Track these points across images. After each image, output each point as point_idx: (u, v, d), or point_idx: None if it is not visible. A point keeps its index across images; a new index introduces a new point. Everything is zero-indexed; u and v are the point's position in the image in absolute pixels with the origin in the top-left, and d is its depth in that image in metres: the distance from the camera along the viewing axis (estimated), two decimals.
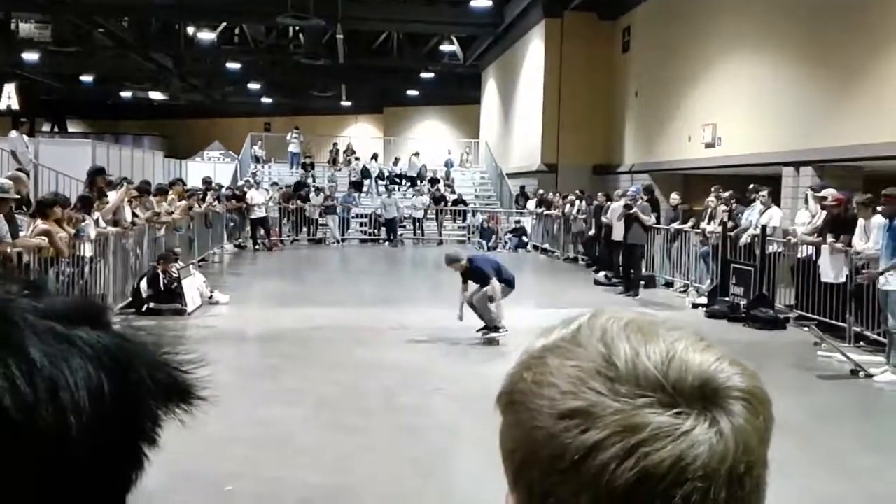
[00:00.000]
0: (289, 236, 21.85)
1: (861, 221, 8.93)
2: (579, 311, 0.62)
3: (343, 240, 22.39)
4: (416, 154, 28.32)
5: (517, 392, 0.58)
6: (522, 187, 23.57)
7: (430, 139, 34.31)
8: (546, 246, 20.50)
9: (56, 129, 42.78)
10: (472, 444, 5.96)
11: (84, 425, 0.43)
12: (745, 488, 0.53)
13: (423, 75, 33.25)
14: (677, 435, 0.52)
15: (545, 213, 20.41)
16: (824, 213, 10.08)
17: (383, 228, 22.82)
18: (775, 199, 12.53)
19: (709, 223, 12.94)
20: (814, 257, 10.11)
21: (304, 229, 22.19)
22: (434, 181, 25.86)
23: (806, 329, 9.43)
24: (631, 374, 0.54)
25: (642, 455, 0.51)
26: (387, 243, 22.07)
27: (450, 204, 24.16)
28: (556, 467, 0.53)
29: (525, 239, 21.69)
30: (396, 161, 28.47)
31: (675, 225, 14.08)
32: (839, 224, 9.55)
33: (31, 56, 27.86)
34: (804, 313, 10.26)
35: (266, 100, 40.56)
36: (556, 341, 0.59)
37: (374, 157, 28.35)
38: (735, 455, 0.53)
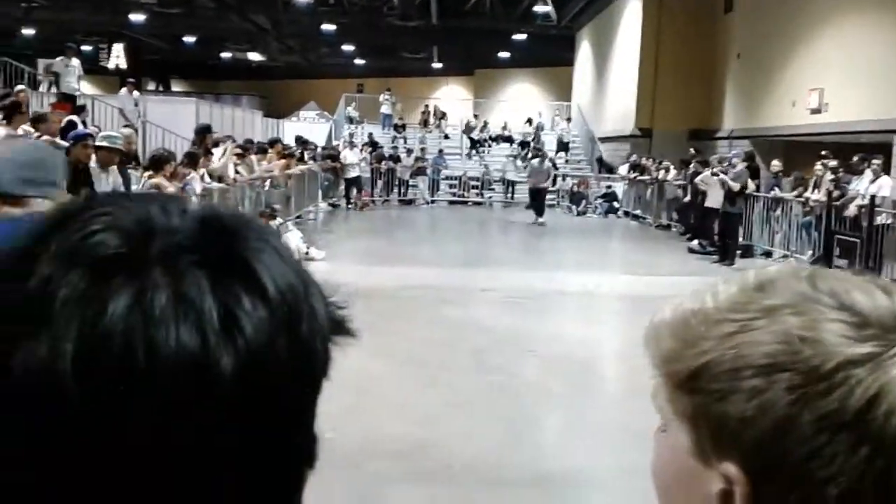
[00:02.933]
0: (380, 196, 22.17)
1: None
2: (717, 279, 0.62)
3: (433, 201, 22.58)
4: (504, 126, 28.31)
5: (725, 364, 0.55)
6: (599, 158, 23.43)
7: (520, 101, 33.99)
8: (637, 212, 20.14)
9: (160, 88, 44.37)
10: (561, 406, 6.01)
11: (321, 350, 0.45)
12: None
13: (516, 37, 32.82)
14: None
15: (638, 178, 20.02)
16: None
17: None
18: (886, 168, 11.94)
19: (814, 191, 12.45)
20: None
21: (395, 190, 22.48)
22: (525, 144, 25.67)
23: None
24: (875, 318, 0.53)
25: None
26: (539, 220, 18.07)
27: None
28: (827, 426, 0.51)
29: (616, 204, 21.36)
30: (486, 125, 28.39)
31: (775, 193, 13.61)
32: None
33: (137, 17, 28.87)
34: None
35: (359, 61, 40.92)
36: (744, 304, 0.57)
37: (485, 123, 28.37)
38: None
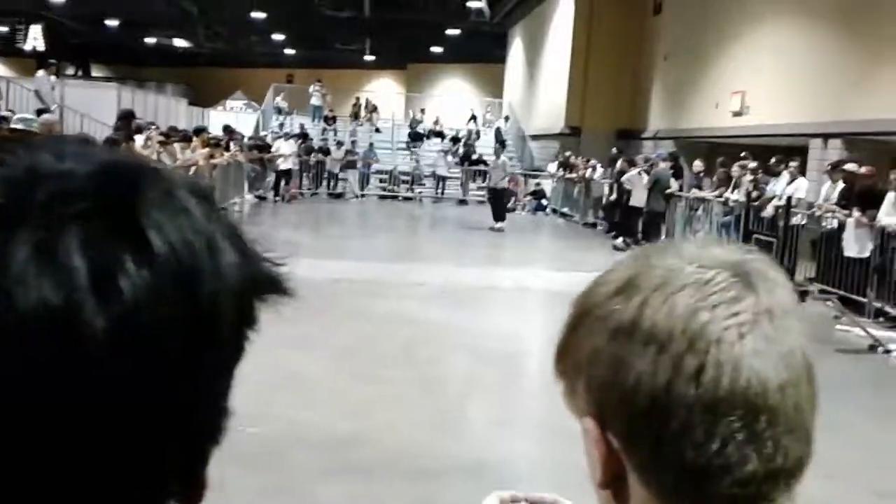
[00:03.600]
0: (309, 189, 21.90)
1: (891, 195, 8.84)
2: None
3: (362, 195, 22.43)
4: (436, 121, 28.40)
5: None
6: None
7: (452, 97, 34.08)
8: (565, 210, 20.44)
9: (80, 73, 42.78)
10: (488, 398, 6.04)
11: (220, 309, 0.41)
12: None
13: (449, 32, 32.89)
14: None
15: (566, 176, 20.30)
16: (842, 186, 10.03)
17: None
18: (801, 171, 12.40)
19: (733, 192, 12.85)
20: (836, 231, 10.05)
21: (324, 183, 22.24)
22: (456, 140, 25.75)
23: (828, 303, 9.40)
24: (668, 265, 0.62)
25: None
26: (497, 226, 16.40)
27: (469, 163, 24.10)
28: (618, 335, 0.61)
29: (544, 202, 21.63)
30: (422, 112, 28.44)
31: (696, 192, 13.99)
32: (867, 197, 9.46)
33: None
34: (825, 287, 10.22)
35: (289, 51, 40.32)
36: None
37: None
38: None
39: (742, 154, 13.35)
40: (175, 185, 0.42)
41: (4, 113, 10.82)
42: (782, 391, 0.58)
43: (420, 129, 27.52)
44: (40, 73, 13.82)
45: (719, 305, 0.58)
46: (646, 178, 13.88)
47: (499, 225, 16.28)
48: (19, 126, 6.62)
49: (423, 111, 28.68)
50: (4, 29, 32.81)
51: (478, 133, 27.32)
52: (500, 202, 16.57)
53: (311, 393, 5.71)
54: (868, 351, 7.89)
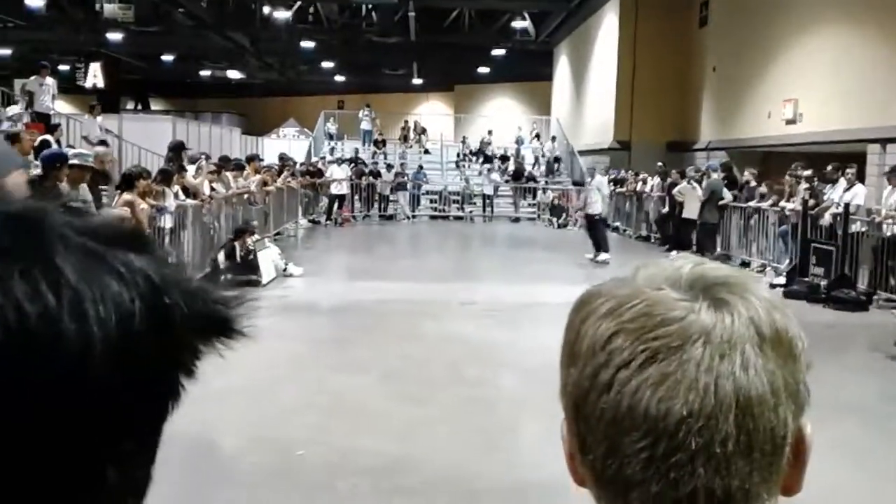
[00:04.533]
0: (360, 212, 22.13)
1: None
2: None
3: (413, 216, 22.56)
4: (490, 133, 28.39)
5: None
6: (575, 182, 23.90)
7: (500, 116, 34.14)
8: (618, 224, 20.23)
9: (139, 107, 44.16)
10: (537, 417, 5.98)
11: (110, 342, 0.40)
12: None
13: (494, 52, 33.01)
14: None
15: (617, 190, 20.12)
16: None
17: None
18: (860, 178, 12.05)
19: (788, 201, 12.55)
20: None
21: (376, 205, 22.46)
22: (504, 158, 25.77)
23: (893, 312, 9.09)
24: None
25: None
26: (600, 258, 13.73)
27: (520, 181, 24.06)
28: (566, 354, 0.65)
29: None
30: (464, 140, 28.55)
31: (753, 203, 13.70)
32: None
33: (115, 36, 28.76)
34: (890, 295, 9.89)
35: (339, 78, 40.97)
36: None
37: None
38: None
39: (793, 165, 13.04)
40: (79, 233, 0.43)
41: (65, 149, 11.22)
42: (689, 422, 0.56)
43: (471, 148, 27.73)
44: (86, 117, 14.30)
45: (643, 328, 0.59)
46: (699, 189, 13.65)
47: (602, 257, 13.54)
48: (76, 161, 6.84)
49: (464, 139, 28.81)
50: (65, 68, 34.08)
51: (517, 151, 27.35)
52: (597, 230, 14.13)
53: (360, 416, 5.72)
54: None
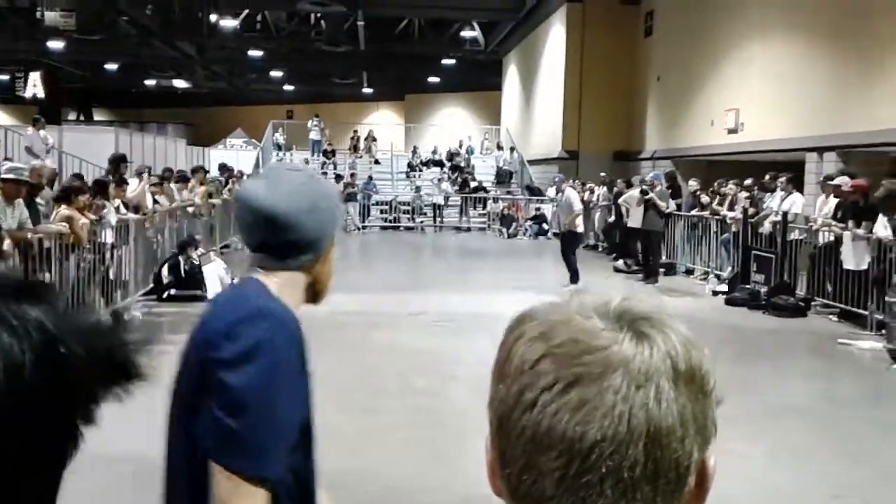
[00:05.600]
0: None
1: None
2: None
3: (364, 227, 22.48)
4: (434, 151, 28.65)
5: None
6: (528, 186, 24.04)
7: (450, 126, 34.28)
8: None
9: (82, 118, 43.19)
10: (485, 429, 6.00)
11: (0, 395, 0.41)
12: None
13: (445, 62, 33.15)
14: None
15: None
16: (835, 200, 10.01)
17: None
18: (798, 186, 12.39)
19: (730, 210, 12.83)
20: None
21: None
22: (456, 168, 25.86)
23: (830, 318, 9.34)
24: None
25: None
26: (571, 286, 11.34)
27: (469, 190, 24.16)
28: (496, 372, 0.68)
29: (545, 226, 21.63)
30: (415, 149, 28.58)
31: (695, 212, 13.98)
32: (860, 211, 9.43)
33: (56, 44, 28.15)
34: (826, 301, 10.17)
35: (288, 87, 40.67)
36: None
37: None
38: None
39: (717, 182, 13.44)
40: None
41: (3, 162, 10.92)
42: (602, 446, 0.59)
43: (422, 158, 27.79)
44: (30, 130, 13.96)
45: (569, 354, 0.62)
46: (669, 202, 13.77)
47: (572, 286, 11.32)
48: (10, 176, 6.65)
49: (415, 149, 28.85)
50: (4, 77, 33.21)
51: (467, 160, 27.50)
52: (568, 250, 11.90)
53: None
54: (872, 364, 7.82)
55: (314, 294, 1.58)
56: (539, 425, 0.61)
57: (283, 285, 1.50)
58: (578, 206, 12.13)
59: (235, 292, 1.54)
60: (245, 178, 20.08)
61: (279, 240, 1.48)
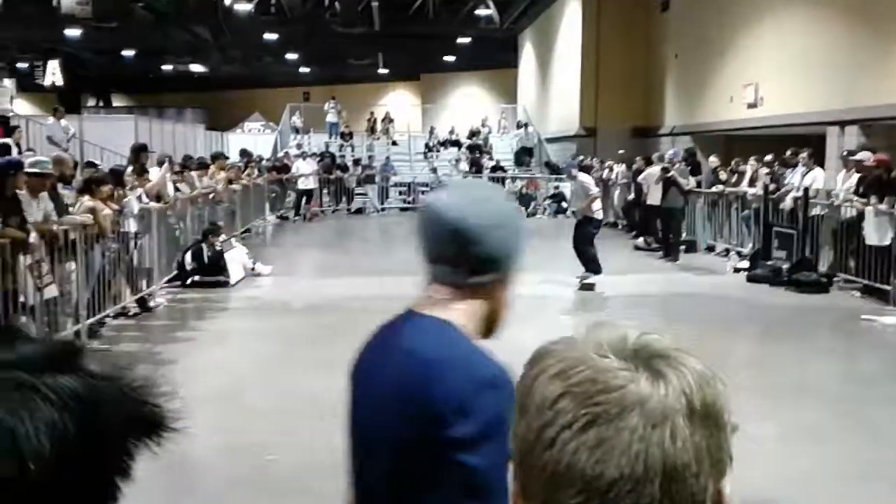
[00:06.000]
0: (329, 206, 22.05)
1: None
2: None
3: (383, 209, 22.54)
4: (451, 131, 28.53)
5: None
6: (547, 162, 23.86)
7: (467, 105, 34.14)
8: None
9: (101, 104, 43.46)
10: None
11: (48, 469, 0.45)
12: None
13: (460, 41, 32.93)
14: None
15: None
16: (857, 175, 9.90)
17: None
18: (819, 160, 12.27)
19: (750, 186, 12.74)
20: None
21: (345, 199, 22.38)
22: (474, 148, 25.80)
23: (853, 294, 9.28)
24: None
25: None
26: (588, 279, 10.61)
27: (487, 171, 24.11)
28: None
29: (564, 205, 21.56)
30: (432, 130, 28.51)
31: (715, 188, 13.88)
32: (883, 185, 9.33)
33: (73, 32, 28.24)
34: (849, 277, 10.10)
35: (304, 70, 40.63)
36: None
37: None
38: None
39: (734, 161, 13.28)
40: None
41: (26, 153, 11.05)
42: (619, 484, 0.62)
43: (439, 139, 27.74)
44: (50, 120, 14.10)
45: (587, 393, 0.64)
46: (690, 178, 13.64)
47: (590, 279, 10.56)
48: (35, 170, 6.74)
49: (432, 129, 28.75)
50: (23, 66, 33.43)
51: (485, 140, 27.39)
52: (584, 239, 10.72)
53: (332, 416, 5.73)
54: (894, 339, 7.78)
55: (489, 327, 1.47)
56: (559, 463, 0.64)
57: (467, 318, 1.42)
58: (595, 190, 10.96)
59: (438, 336, 1.40)
60: (264, 161, 20.17)
61: (465, 253, 1.41)
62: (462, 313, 1.42)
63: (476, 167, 23.78)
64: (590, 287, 10.42)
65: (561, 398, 0.65)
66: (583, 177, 11.27)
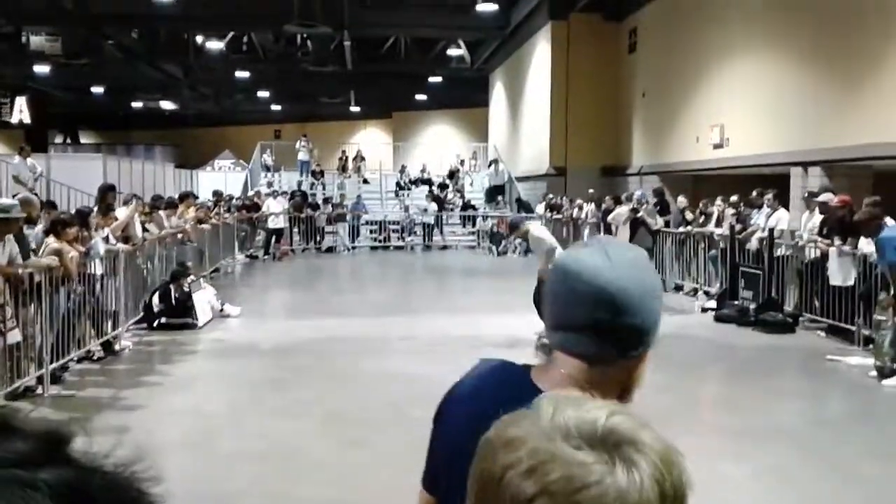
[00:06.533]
0: (299, 244, 21.96)
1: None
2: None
3: (354, 247, 22.49)
4: (423, 170, 28.75)
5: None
6: (518, 199, 24.03)
7: (439, 143, 34.40)
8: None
9: (69, 141, 43.11)
10: None
11: None
12: None
13: (431, 79, 33.31)
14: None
15: (554, 217, 20.42)
16: (820, 216, 10.11)
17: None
18: (784, 200, 12.50)
19: (717, 226, 12.93)
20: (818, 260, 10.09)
21: (315, 237, 22.30)
22: (443, 186, 25.93)
23: (818, 333, 9.40)
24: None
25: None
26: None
27: (458, 209, 24.21)
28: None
29: None
30: (403, 169, 28.64)
31: (681, 228, 14.06)
32: (845, 226, 9.52)
33: (42, 69, 28.11)
34: (814, 317, 10.25)
35: (275, 107, 40.74)
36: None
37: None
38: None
39: (702, 202, 13.54)
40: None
41: None
42: None
43: (410, 177, 27.84)
44: (16, 158, 13.97)
45: (565, 492, 0.65)
46: (658, 218, 13.79)
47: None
48: (3, 215, 6.64)
49: (403, 168, 28.88)
50: None
51: (453, 176, 27.61)
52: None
53: (300, 463, 5.67)
54: (859, 380, 7.88)
55: (622, 394, 1.27)
56: None
57: (598, 382, 1.21)
58: (550, 241, 9.61)
59: None
60: (234, 200, 20.09)
61: (617, 323, 1.22)
62: (594, 380, 1.23)
63: (439, 204, 23.82)
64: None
65: (538, 498, 0.65)
66: (534, 228, 10.12)
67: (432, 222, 23.25)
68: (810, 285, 10.35)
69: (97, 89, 35.89)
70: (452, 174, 27.95)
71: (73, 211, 9.51)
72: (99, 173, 15.39)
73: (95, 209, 9.27)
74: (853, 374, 8.14)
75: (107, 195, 9.54)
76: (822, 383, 8.09)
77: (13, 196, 9.21)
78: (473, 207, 24.79)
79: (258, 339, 9.88)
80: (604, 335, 1.23)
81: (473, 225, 24.16)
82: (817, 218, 10.32)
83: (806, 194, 11.16)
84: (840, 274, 9.48)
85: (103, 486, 0.54)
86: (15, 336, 6.58)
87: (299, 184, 26.13)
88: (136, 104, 39.68)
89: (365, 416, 6.72)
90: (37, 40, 27.34)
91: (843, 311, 9.52)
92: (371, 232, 23.54)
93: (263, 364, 8.82)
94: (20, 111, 31.20)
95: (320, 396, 7.31)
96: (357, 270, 19.47)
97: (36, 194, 11.14)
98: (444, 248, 22.98)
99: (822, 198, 10.16)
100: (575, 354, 1.25)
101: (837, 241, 9.58)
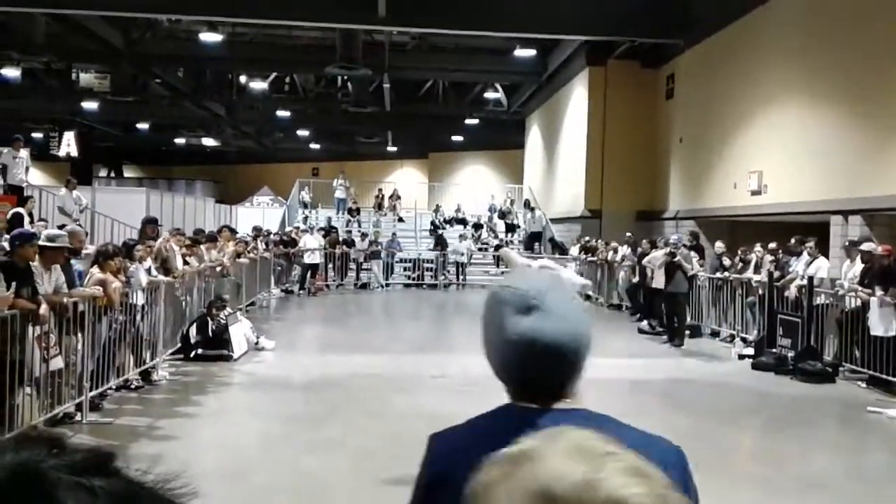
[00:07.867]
0: (334, 280, 22.14)
1: None
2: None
3: (387, 284, 22.60)
4: (458, 209, 28.98)
5: None
6: (551, 239, 24.00)
7: (473, 184, 34.61)
8: (589, 293, 20.39)
9: (113, 175, 44.16)
10: None
11: None
12: None
13: (468, 121, 33.68)
14: None
15: (588, 259, 20.36)
16: (861, 265, 9.96)
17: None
18: (823, 248, 12.36)
19: (755, 273, 12.80)
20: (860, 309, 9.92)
21: (351, 274, 22.47)
22: (478, 226, 26.03)
23: (859, 384, 9.21)
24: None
25: None
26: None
27: (492, 249, 24.25)
28: None
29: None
30: (437, 208, 28.85)
31: (718, 274, 13.93)
32: (887, 276, 9.38)
33: (90, 105, 28.97)
34: (854, 367, 10.05)
35: (314, 146, 41.41)
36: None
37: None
38: None
39: (741, 250, 13.40)
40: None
41: (38, 225, 11.21)
42: None
43: (445, 217, 28.08)
44: (63, 190, 14.37)
45: None
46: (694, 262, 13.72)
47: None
48: (52, 244, 6.84)
49: (437, 207, 29.09)
50: (39, 136, 34.15)
51: (504, 216, 27.80)
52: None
53: (331, 499, 5.67)
54: None
55: None
56: None
57: None
58: (521, 261, 10.17)
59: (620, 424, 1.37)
60: (271, 235, 20.37)
61: (580, 363, 1.38)
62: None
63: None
64: None
65: None
66: (506, 251, 11.05)
67: (465, 261, 23.32)
68: (850, 335, 10.18)
69: (142, 125, 36.87)
70: (504, 215, 28.09)
71: (117, 242, 9.73)
72: (142, 206, 15.76)
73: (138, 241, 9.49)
74: (894, 426, 7.95)
75: (149, 227, 9.76)
76: (862, 435, 7.91)
77: (59, 227, 9.44)
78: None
79: (292, 373, 9.95)
80: (575, 376, 1.40)
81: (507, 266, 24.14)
82: (858, 267, 10.18)
83: (847, 243, 11.02)
84: (881, 324, 9.32)
85: (149, 496, 0.60)
86: (57, 363, 6.72)
87: (328, 220, 26.42)
88: (179, 140, 40.64)
89: (396, 453, 6.70)
90: (86, 77, 28.25)
91: (884, 361, 9.33)
92: (405, 269, 23.66)
93: (296, 398, 8.87)
94: (68, 145, 32.09)
95: (352, 432, 7.33)
96: (390, 307, 19.54)
97: (81, 226, 11.42)
98: (482, 287, 23.01)
99: (865, 246, 10.03)
100: (558, 397, 1.40)
101: (879, 291, 9.43)
